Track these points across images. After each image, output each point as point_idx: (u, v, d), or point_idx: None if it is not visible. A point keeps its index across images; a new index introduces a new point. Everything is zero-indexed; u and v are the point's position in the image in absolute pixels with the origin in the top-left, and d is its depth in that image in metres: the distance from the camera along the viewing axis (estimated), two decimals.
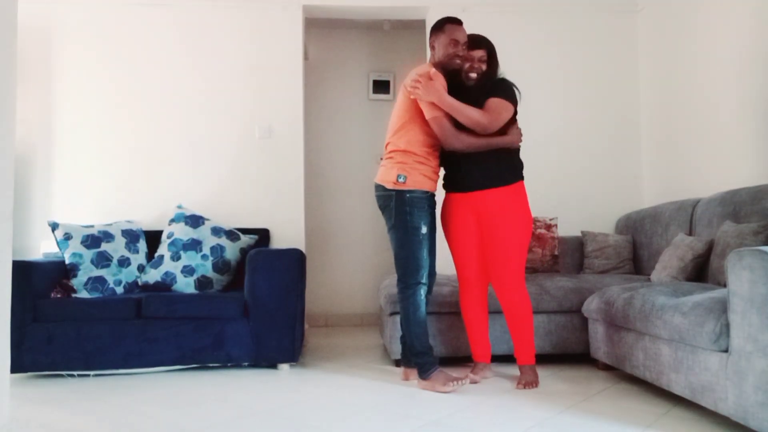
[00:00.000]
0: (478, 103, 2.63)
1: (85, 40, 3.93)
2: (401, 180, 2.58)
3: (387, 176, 2.64)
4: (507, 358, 2.97)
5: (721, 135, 3.35)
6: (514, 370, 2.84)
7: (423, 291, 2.63)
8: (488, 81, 2.71)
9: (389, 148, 2.69)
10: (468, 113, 2.57)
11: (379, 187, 2.67)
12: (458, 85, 2.70)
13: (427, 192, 2.64)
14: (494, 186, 2.65)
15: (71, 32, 3.93)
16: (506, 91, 2.66)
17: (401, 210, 2.58)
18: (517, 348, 2.71)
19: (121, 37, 3.95)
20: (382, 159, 2.75)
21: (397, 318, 3.07)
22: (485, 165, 2.66)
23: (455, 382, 2.51)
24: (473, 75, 2.70)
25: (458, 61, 2.66)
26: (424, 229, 2.60)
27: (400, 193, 2.59)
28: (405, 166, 2.60)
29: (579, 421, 2.13)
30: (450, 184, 2.80)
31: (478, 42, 2.73)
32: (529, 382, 2.62)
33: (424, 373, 2.57)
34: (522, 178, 2.73)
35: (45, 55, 3.91)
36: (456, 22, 2.69)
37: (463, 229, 2.74)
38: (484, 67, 2.70)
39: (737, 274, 1.85)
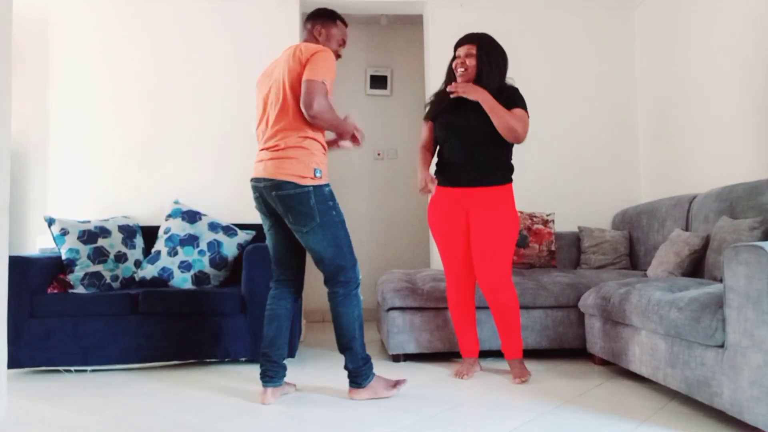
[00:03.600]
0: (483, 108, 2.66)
1: (81, 34, 3.91)
2: (318, 175, 2.32)
3: (300, 170, 2.30)
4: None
5: (717, 131, 3.36)
6: (506, 365, 2.85)
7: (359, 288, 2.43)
8: (500, 87, 2.71)
9: (291, 135, 2.32)
10: (507, 119, 2.61)
11: (287, 184, 2.29)
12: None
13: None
14: (488, 184, 2.69)
15: (67, 25, 3.91)
16: (523, 102, 2.70)
17: (325, 206, 2.32)
18: (505, 343, 2.73)
19: (118, 31, 3.93)
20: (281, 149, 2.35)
21: (395, 313, 3.08)
22: (484, 163, 2.70)
23: (397, 387, 2.41)
24: (461, 70, 2.72)
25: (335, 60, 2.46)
26: (346, 222, 2.42)
27: (318, 189, 2.32)
28: (316, 158, 2.34)
29: (575, 415, 2.14)
30: (445, 178, 2.79)
31: (467, 37, 2.75)
32: (522, 375, 2.66)
33: (364, 381, 2.38)
34: (511, 180, 2.76)
35: (41, 48, 3.89)
36: (345, 24, 2.60)
37: (454, 223, 2.75)
38: (468, 61, 2.70)
39: (733, 270, 1.86)
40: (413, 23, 4.75)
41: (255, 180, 2.43)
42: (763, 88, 2.99)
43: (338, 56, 2.53)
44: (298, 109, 2.31)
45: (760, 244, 1.79)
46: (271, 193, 2.34)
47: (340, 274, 2.38)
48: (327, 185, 2.36)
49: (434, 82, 4.21)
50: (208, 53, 3.98)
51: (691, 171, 3.60)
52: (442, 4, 4.21)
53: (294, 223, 2.34)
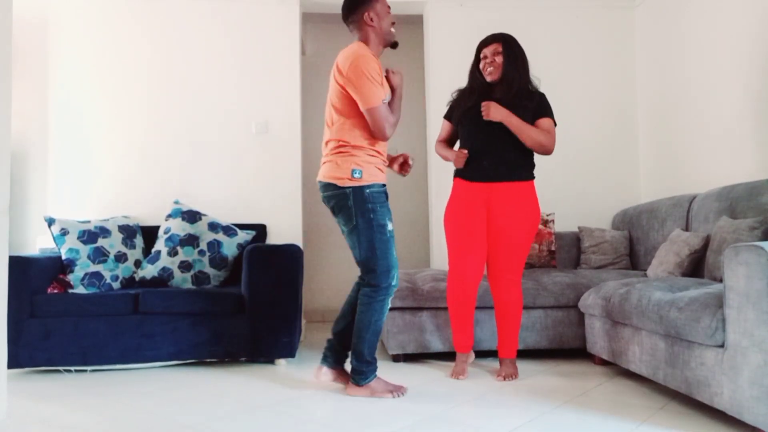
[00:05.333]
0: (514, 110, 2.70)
1: (81, 34, 3.91)
2: (357, 175, 2.35)
3: (337, 172, 2.38)
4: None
5: (717, 131, 3.36)
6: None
7: (391, 296, 2.45)
8: (528, 90, 2.75)
9: (333, 144, 2.44)
10: (534, 135, 2.68)
11: (330, 186, 2.40)
12: (488, 93, 2.80)
13: (383, 185, 2.46)
14: (511, 180, 2.71)
15: (67, 25, 3.91)
16: (550, 110, 2.77)
17: (363, 208, 2.35)
18: (502, 342, 2.76)
19: (118, 31, 3.93)
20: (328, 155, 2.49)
21: (395, 313, 3.08)
22: (508, 159, 2.73)
23: (395, 393, 2.41)
24: (490, 69, 2.76)
25: (394, 31, 2.51)
26: (390, 226, 2.40)
27: (358, 190, 2.36)
28: (358, 159, 2.38)
29: (575, 415, 2.14)
30: (467, 174, 2.79)
31: (492, 37, 2.81)
32: (509, 374, 2.69)
33: (362, 381, 2.41)
34: (534, 177, 2.79)
35: (41, 48, 3.89)
36: None
37: (472, 219, 2.73)
38: (497, 59, 2.75)
39: (733, 270, 1.86)
40: (413, 24, 4.75)
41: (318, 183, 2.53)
42: (763, 87, 2.99)
43: (393, 24, 2.50)
44: (341, 122, 2.43)
45: (760, 244, 1.79)
46: (322, 195, 2.48)
47: (370, 277, 2.41)
48: (370, 186, 2.38)
49: (434, 81, 4.22)
50: (208, 53, 3.98)
51: (691, 171, 3.60)
52: (442, 4, 4.21)
53: (339, 223, 2.46)
